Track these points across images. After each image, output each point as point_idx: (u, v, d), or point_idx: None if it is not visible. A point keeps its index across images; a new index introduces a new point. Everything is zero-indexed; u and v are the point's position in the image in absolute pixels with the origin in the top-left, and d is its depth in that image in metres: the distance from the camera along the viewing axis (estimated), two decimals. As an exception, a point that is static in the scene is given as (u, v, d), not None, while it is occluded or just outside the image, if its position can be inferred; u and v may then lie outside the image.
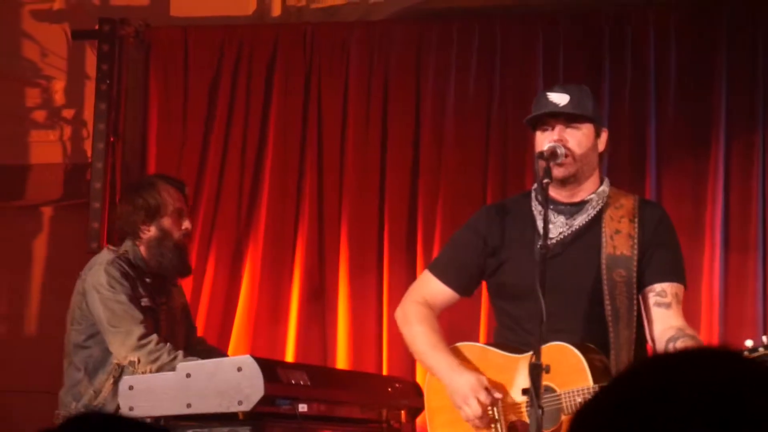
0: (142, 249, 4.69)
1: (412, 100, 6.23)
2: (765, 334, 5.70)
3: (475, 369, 3.63)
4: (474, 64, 6.18)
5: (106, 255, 4.66)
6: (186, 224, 4.75)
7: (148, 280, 4.68)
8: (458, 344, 3.78)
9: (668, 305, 3.48)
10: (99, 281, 4.55)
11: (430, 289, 3.84)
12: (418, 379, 5.74)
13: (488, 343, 3.83)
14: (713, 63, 5.94)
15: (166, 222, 4.71)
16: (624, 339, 3.48)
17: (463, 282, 3.82)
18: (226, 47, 6.37)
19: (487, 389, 3.54)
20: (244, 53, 6.37)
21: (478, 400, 3.52)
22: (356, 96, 6.28)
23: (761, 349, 3.00)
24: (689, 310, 3.34)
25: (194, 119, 6.35)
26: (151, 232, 4.69)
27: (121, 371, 4.54)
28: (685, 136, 5.96)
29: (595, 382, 3.39)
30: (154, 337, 4.48)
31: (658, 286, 3.51)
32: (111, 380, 4.58)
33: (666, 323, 3.41)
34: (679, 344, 3.30)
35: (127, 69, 6.44)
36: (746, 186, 5.86)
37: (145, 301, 4.61)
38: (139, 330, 4.47)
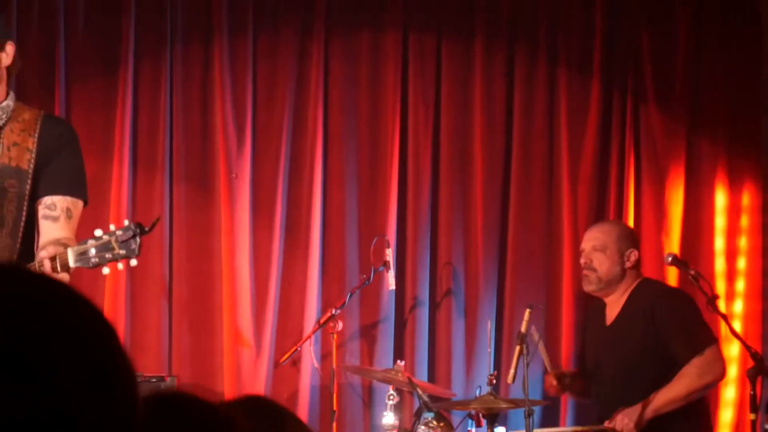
0: None
1: None
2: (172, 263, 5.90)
3: None
4: None
5: None
6: None
7: None
8: None
9: (56, 218, 3.48)
10: None
11: None
12: None
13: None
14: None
15: None
16: (5, 246, 3.49)
17: None
18: None
19: None
20: None
21: None
22: None
23: (106, 236, 3.07)
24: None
25: None
26: None
27: None
28: (95, 53, 5.97)
29: None
30: None
31: (48, 199, 3.50)
32: None
33: (50, 235, 3.41)
34: (42, 254, 3.29)
35: None
36: (154, 104, 5.98)
37: None
38: None
